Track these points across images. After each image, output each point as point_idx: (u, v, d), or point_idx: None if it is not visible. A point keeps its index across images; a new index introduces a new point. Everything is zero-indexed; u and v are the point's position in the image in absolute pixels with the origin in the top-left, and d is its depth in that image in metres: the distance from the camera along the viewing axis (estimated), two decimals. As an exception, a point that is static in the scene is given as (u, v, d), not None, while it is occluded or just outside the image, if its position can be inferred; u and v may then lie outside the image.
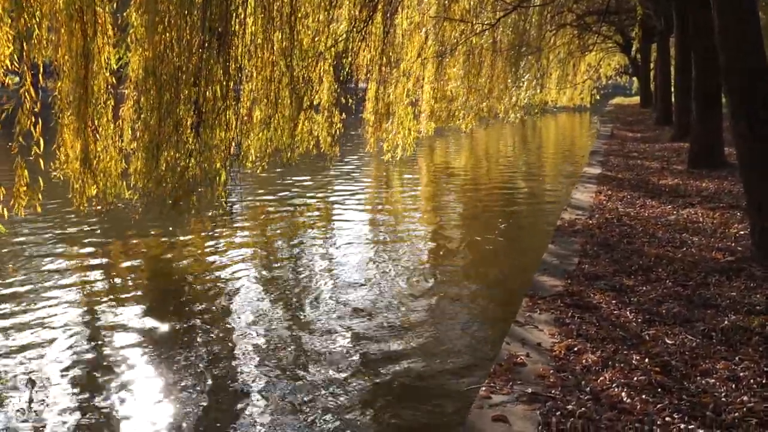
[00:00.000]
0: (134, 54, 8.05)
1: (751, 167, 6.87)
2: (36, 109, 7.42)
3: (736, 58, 6.86)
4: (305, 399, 5.60)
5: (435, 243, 11.07)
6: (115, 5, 8.31)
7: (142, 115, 7.94)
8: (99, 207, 8.87)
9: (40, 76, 7.72)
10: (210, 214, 11.17)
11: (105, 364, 6.33)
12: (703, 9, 11.66)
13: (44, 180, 7.81)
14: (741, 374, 4.13)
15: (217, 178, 7.94)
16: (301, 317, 7.56)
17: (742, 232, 7.75)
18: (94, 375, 6.09)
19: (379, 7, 10.50)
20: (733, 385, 4.00)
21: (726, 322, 4.99)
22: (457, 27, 14.48)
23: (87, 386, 5.87)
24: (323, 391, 5.74)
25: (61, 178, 8.56)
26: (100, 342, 6.88)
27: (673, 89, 21.19)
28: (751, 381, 4.03)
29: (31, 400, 5.58)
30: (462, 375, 6.08)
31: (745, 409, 3.70)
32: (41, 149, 7.52)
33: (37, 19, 7.28)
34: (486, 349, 6.53)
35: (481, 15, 15.33)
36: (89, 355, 6.52)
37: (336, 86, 11.01)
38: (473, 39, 15.41)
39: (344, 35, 10.36)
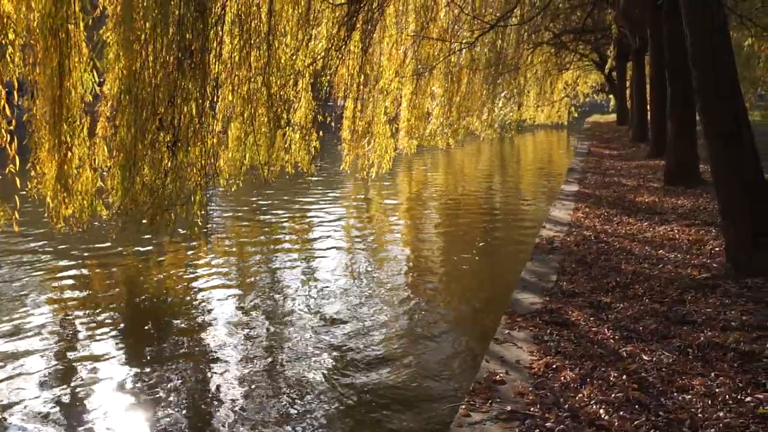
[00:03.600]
0: (110, 72, 8.00)
1: (725, 184, 6.94)
2: (11, 127, 7.36)
3: (707, 74, 6.95)
4: (281, 418, 5.56)
5: (413, 262, 11.07)
6: (90, 21, 8.26)
7: (118, 134, 7.87)
8: (75, 227, 8.76)
9: (15, 93, 7.64)
10: (185, 232, 11.08)
11: (81, 383, 6.25)
12: (676, 27, 11.80)
13: (20, 198, 7.72)
14: (717, 390, 4.15)
15: (193, 196, 7.88)
16: (277, 337, 7.52)
17: (717, 249, 7.82)
18: (70, 393, 6.02)
19: (358, 26, 10.51)
20: (710, 401, 4.02)
21: (702, 339, 5.02)
22: (436, 45, 14.55)
23: (63, 404, 5.80)
24: (303, 413, 5.70)
25: (36, 197, 8.46)
26: (75, 361, 6.80)
27: (648, 107, 21.40)
28: (727, 397, 4.05)
29: (6, 417, 5.50)
30: (441, 393, 6.06)
31: (721, 425, 3.72)
32: (17, 168, 7.45)
33: (11, 37, 7.23)
34: (465, 367, 6.52)
35: (458, 34, 15.42)
36: (65, 374, 6.44)
37: (314, 104, 11.01)
38: (451, 57, 15.51)
39: (322, 53, 10.36)
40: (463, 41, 14.46)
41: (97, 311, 8.29)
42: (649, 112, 21.39)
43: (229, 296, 8.98)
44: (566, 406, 4.04)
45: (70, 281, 9.54)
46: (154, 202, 7.74)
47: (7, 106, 7.28)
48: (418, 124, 15.53)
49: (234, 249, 11.97)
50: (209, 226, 13.79)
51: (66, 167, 8.17)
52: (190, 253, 11.28)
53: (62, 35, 7.62)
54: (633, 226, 9.74)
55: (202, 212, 8.03)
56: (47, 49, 7.65)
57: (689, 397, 4.10)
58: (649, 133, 21.02)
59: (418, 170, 25.94)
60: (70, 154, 8.14)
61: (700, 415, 3.86)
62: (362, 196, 18.81)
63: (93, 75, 8.14)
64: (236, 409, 5.77)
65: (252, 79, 9.06)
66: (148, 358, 6.90)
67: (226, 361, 6.81)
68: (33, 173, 8.24)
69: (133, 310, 8.52)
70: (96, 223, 9.58)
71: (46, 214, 8.57)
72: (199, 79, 7.62)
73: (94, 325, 7.81)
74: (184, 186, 7.93)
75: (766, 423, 3.69)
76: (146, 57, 7.49)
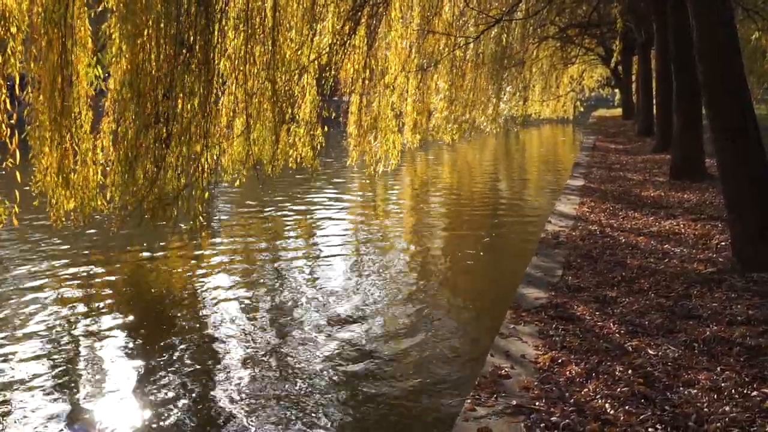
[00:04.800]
0: (113, 66, 8.01)
1: (732, 179, 6.92)
2: (12, 122, 7.37)
3: (714, 69, 6.93)
4: (288, 416, 5.57)
5: (418, 257, 11.05)
6: (93, 14, 8.26)
7: (120, 128, 7.89)
8: (77, 221, 8.77)
9: (16, 88, 7.65)
10: (187, 228, 11.09)
11: (84, 380, 6.26)
12: (682, 21, 11.77)
13: (20, 193, 7.72)
14: (723, 384, 4.14)
15: (194, 191, 7.89)
16: (283, 333, 7.50)
17: (723, 243, 7.80)
18: (72, 390, 6.02)
19: (363, 21, 10.51)
20: (715, 396, 4.01)
21: (708, 333, 5.01)
22: (441, 40, 14.54)
23: (66, 402, 5.80)
24: (307, 407, 5.71)
25: (36, 192, 8.45)
26: (78, 358, 6.80)
27: (654, 101, 21.35)
28: (733, 391, 4.04)
29: (8, 415, 5.52)
30: (447, 388, 6.06)
31: (727, 419, 3.71)
32: (17, 162, 7.46)
33: (13, 31, 7.23)
34: (470, 362, 6.52)
35: (464, 28, 15.40)
36: (68, 371, 6.44)
37: (319, 99, 11.00)
38: (456, 52, 15.49)
39: (327, 48, 10.36)
40: (469, 36, 14.44)
41: (99, 307, 8.27)
42: (654, 107, 21.35)
43: (233, 291, 8.97)
44: (572, 400, 4.04)
45: (73, 275, 9.54)
46: (154, 196, 7.75)
47: (8, 101, 7.29)
48: (423, 118, 15.52)
49: (238, 244, 11.96)
50: (213, 220, 13.81)
51: (67, 161, 8.18)
52: (194, 248, 11.29)
53: (64, 29, 7.61)
54: (639, 220, 9.73)
55: (204, 207, 8.01)
56: (49, 42, 7.65)
57: (695, 391, 4.09)
58: (655, 128, 20.97)
59: (424, 165, 25.92)
60: (71, 148, 8.14)
61: (705, 409, 3.85)
62: (367, 191, 18.79)
63: (96, 69, 8.14)
64: (240, 405, 5.77)
65: (256, 74, 9.06)
66: (151, 353, 6.90)
67: (230, 356, 6.81)
68: (36, 168, 8.24)
69: (136, 306, 8.51)
70: (98, 217, 9.57)
71: (47, 209, 8.56)
72: (202, 74, 7.62)
73: (97, 320, 7.80)
74: (187, 181, 7.93)
75: (772, 417, 3.69)
76: (149, 51, 7.49)
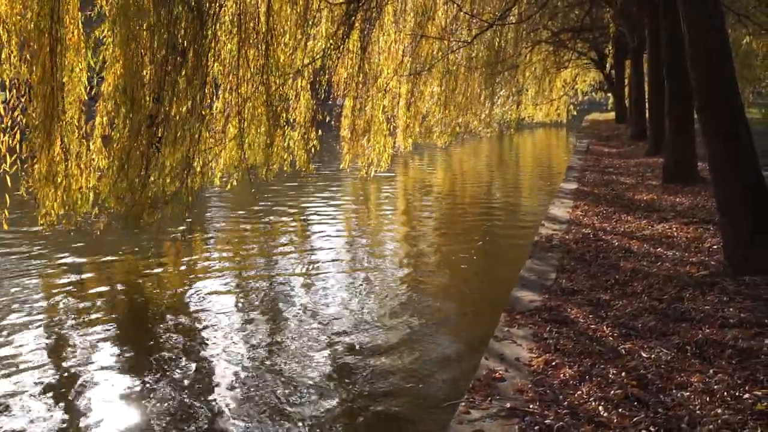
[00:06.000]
0: (107, 71, 8.01)
1: (723, 182, 6.96)
2: (2, 125, 7.36)
3: (706, 74, 6.96)
4: (282, 419, 5.57)
5: (412, 261, 11.06)
6: (86, 16, 8.26)
7: (113, 133, 7.88)
8: (67, 226, 8.74)
9: (7, 92, 7.65)
10: (180, 232, 11.07)
11: (75, 389, 6.22)
12: (674, 25, 11.84)
13: (11, 197, 7.69)
14: (715, 387, 4.16)
15: (186, 196, 7.90)
16: (278, 338, 7.51)
17: (715, 247, 7.83)
18: (64, 399, 6.00)
19: (356, 25, 10.54)
20: (708, 398, 4.03)
21: (700, 336, 5.03)
22: (434, 44, 14.58)
23: (58, 410, 5.80)
24: (302, 411, 5.71)
25: (25, 196, 8.42)
26: (70, 366, 6.77)
27: (647, 105, 21.43)
28: (725, 393, 4.06)
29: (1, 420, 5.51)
30: (441, 391, 6.07)
31: (719, 421, 3.73)
32: (8, 165, 7.45)
33: (5, 38, 7.23)
34: (465, 365, 6.53)
35: (457, 32, 15.46)
36: (59, 379, 6.42)
37: (313, 103, 11.01)
38: (450, 56, 15.53)
39: (321, 53, 10.38)
40: (462, 40, 14.48)
41: (90, 314, 8.23)
42: (647, 110, 21.43)
43: (226, 295, 8.97)
44: (565, 403, 4.06)
45: (63, 280, 9.53)
46: (144, 201, 7.75)
47: (0, 106, 7.28)
48: (416, 122, 15.56)
49: (231, 248, 11.94)
50: (205, 224, 13.79)
51: (59, 166, 8.16)
52: (185, 251, 11.27)
53: (59, 33, 7.60)
54: (632, 223, 9.76)
55: (195, 211, 8.01)
56: (41, 47, 7.64)
57: (687, 393, 4.11)
58: (648, 131, 21.05)
59: (417, 169, 25.94)
60: (62, 152, 8.13)
61: (698, 411, 3.87)
62: (360, 196, 18.80)
63: (85, 75, 8.13)
64: (235, 408, 5.78)
65: (250, 79, 9.07)
66: (145, 358, 6.89)
67: (224, 360, 6.80)
68: (31, 171, 8.22)
69: (129, 311, 8.51)
70: (87, 222, 9.52)
71: (36, 213, 8.52)
72: (194, 78, 7.63)
73: (87, 328, 7.77)
74: (179, 185, 7.93)
75: (764, 419, 3.70)
76: (142, 56, 7.50)
